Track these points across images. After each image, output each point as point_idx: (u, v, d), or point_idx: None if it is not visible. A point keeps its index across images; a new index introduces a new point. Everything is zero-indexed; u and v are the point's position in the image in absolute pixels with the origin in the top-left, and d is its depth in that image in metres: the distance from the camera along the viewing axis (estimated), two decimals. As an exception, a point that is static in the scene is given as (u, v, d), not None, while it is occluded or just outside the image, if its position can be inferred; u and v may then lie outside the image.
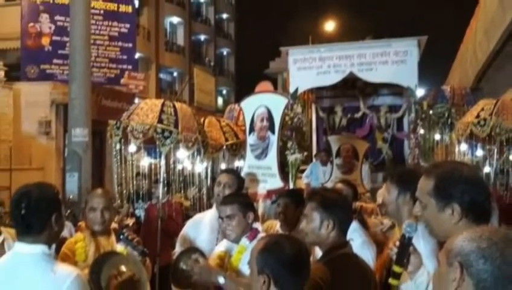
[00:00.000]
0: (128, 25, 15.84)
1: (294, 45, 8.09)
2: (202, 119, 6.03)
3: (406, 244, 1.89)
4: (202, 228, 3.48)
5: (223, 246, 2.95)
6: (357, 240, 2.84)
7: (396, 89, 7.79)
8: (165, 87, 24.67)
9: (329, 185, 5.81)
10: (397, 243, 1.92)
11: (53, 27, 14.36)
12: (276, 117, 5.04)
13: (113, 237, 2.89)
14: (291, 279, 1.72)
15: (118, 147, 5.11)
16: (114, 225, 3.12)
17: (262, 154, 5.14)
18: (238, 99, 8.43)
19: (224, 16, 33.04)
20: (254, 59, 28.50)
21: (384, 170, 7.34)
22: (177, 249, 3.45)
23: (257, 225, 2.94)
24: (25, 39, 14.28)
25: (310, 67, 7.27)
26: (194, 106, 18.68)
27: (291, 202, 3.45)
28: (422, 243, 2.05)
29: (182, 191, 6.34)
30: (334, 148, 7.07)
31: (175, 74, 26.00)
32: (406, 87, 6.92)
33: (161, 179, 5.14)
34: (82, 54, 8.47)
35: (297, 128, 7.01)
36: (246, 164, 5.28)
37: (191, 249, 2.93)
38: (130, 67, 15.93)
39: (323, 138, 8.40)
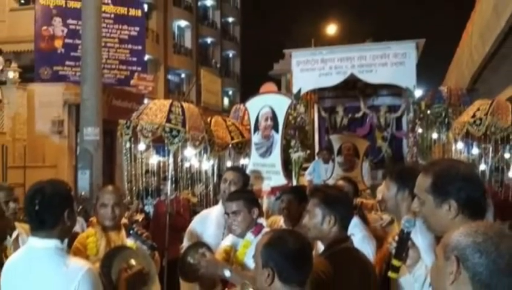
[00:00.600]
0: (137, 28, 15.92)
1: (297, 48, 8.15)
2: (209, 119, 6.08)
3: (404, 239, 1.90)
4: (209, 224, 3.53)
5: (228, 240, 3.00)
6: (358, 235, 2.86)
7: (395, 90, 7.80)
8: (173, 88, 24.78)
9: (331, 182, 5.86)
10: (396, 238, 1.93)
11: (65, 30, 14.49)
12: (280, 117, 5.09)
13: (123, 232, 2.92)
14: (294, 272, 1.76)
15: (127, 145, 5.23)
16: (124, 221, 3.16)
17: (266, 152, 5.19)
18: (244, 100, 8.52)
19: (230, 19, 33.08)
20: (259, 61, 28.45)
21: (383, 167, 7.37)
22: (185, 243, 3.49)
23: (262, 221, 2.99)
24: (39, 42, 14.41)
25: (312, 69, 7.30)
26: (201, 106, 18.73)
27: (295, 198, 3.46)
28: (420, 238, 2.07)
29: (190, 188, 6.42)
30: (336, 147, 7.07)
31: (183, 75, 26.11)
32: (404, 88, 6.97)
33: (169, 176, 5.25)
34: (93, 56, 8.45)
35: (300, 128, 7.02)
36: (250, 162, 5.35)
37: (198, 244, 2.97)
38: (139, 69, 16.03)
39: (325, 136, 8.40)
